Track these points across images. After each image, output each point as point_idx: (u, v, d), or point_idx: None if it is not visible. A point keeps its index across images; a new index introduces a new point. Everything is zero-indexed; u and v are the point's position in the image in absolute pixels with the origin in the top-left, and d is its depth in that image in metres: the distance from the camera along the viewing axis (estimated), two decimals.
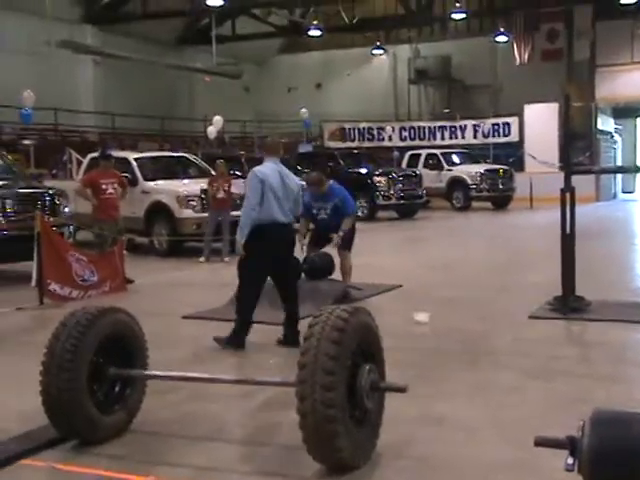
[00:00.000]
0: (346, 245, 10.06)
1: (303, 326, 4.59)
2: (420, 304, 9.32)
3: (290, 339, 7.48)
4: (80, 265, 10.55)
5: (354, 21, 34.87)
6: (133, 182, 15.06)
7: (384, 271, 12.37)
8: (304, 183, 10.27)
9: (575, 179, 8.87)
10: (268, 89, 39.93)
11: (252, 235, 7.32)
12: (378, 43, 38.26)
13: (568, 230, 8.71)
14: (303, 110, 33.31)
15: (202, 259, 14.12)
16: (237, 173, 18.99)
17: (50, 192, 12.66)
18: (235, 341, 7.45)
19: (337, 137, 32.98)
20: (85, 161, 17.31)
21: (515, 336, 7.94)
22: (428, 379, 6.36)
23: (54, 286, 10.15)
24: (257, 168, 7.60)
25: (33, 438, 5.08)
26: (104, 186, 12.03)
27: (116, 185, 12.20)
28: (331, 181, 10.19)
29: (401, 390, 4.64)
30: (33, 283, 10.07)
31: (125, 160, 15.81)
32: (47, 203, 12.31)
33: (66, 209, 12.79)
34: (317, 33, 34.14)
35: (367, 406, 4.52)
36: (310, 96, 38.54)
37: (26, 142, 24.13)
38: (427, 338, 8.04)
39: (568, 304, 8.68)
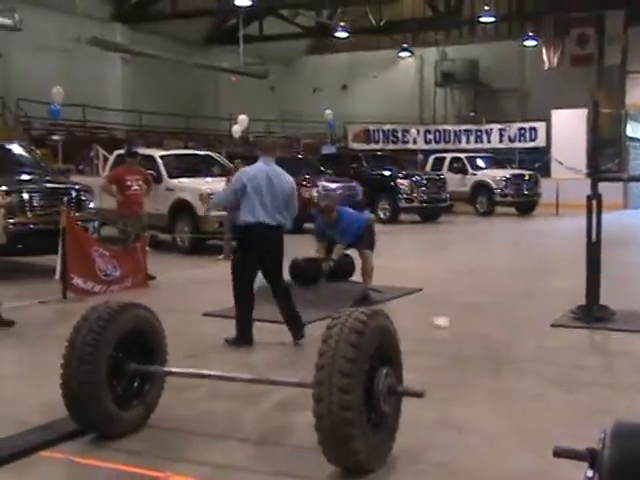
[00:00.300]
0: (368, 245, 10.09)
1: (321, 327, 4.57)
2: (441, 308, 9.27)
3: (298, 334, 7.65)
4: (103, 260, 10.63)
5: (381, 23, 34.88)
6: (158, 179, 15.15)
7: (405, 274, 12.33)
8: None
9: (603, 186, 8.77)
10: (294, 89, 40.01)
11: (240, 235, 7.62)
12: (405, 45, 38.18)
13: (594, 238, 8.62)
14: (328, 111, 33.29)
15: (221, 257, 14.16)
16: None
17: (76, 187, 12.77)
18: (242, 340, 7.58)
19: (361, 139, 32.92)
20: (111, 158, 17.41)
21: (538, 344, 7.87)
22: (447, 384, 6.31)
23: (77, 280, 10.24)
24: (245, 168, 7.86)
25: (52, 430, 5.12)
26: (129, 183, 12.15)
27: (141, 182, 12.33)
28: (341, 210, 10.28)
29: (418, 395, 4.61)
30: (57, 276, 10.16)
31: (151, 157, 15.89)
32: (73, 198, 12.41)
33: (91, 205, 12.88)
34: (344, 35, 34.15)
35: (384, 410, 4.50)
36: (335, 97, 38.55)
37: (55, 138, 24.33)
38: (447, 343, 7.99)
39: (592, 313, 8.59)
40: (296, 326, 7.70)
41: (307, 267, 10.27)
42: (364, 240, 10.07)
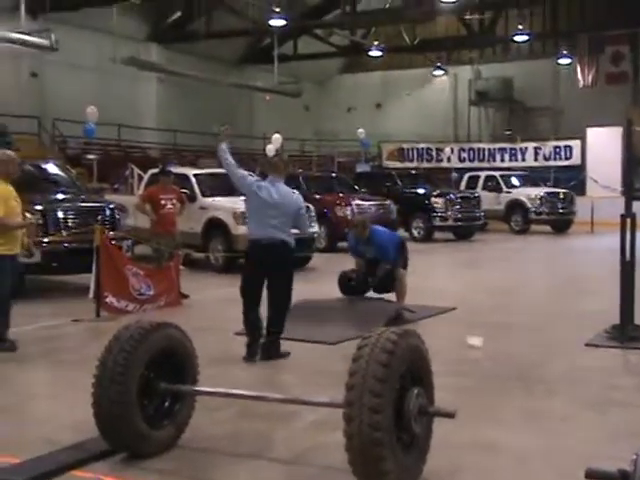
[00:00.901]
0: (401, 264, 10.15)
1: (352, 347, 4.56)
2: (474, 328, 9.21)
3: (265, 354, 7.72)
4: (137, 279, 10.70)
5: (415, 42, 34.94)
6: (192, 198, 15.27)
7: (439, 293, 12.31)
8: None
9: (637, 205, 8.70)
10: (328, 108, 40.16)
11: (249, 250, 7.88)
12: (439, 64, 38.20)
13: (628, 256, 8.54)
14: (360, 130, 33.37)
15: None
16: (294, 192, 19.04)
17: (110, 206, 12.90)
18: (247, 354, 7.73)
19: (395, 157, 32.99)
20: (146, 177, 17.58)
21: (571, 364, 7.80)
22: (479, 405, 6.26)
23: (111, 299, 10.32)
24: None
25: (83, 449, 5.14)
26: (163, 202, 12.24)
27: (175, 201, 12.42)
28: (374, 227, 10.43)
29: (450, 415, 4.58)
30: (91, 295, 10.24)
31: (185, 176, 16.02)
32: (107, 217, 12.54)
33: (125, 223, 13.00)
34: (378, 53, 34.26)
35: (415, 430, 4.48)
36: (369, 116, 38.65)
37: (90, 157, 24.63)
38: (480, 363, 7.93)
39: (626, 333, 8.49)
40: (270, 348, 7.76)
41: (356, 279, 10.58)
42: (399, 258, 10.13)
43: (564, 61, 34.44)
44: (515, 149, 31.87)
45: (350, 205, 19.72)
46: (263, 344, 7.81)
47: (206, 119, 31.54)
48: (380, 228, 10.59)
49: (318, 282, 13.41)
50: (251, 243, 7.79)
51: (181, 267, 11.96)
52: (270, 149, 29.19)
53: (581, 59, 33.66)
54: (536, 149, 31.52)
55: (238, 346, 8.62)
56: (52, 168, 14.53)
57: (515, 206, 26.59)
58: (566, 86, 35.13)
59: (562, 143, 31.18)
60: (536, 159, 31.39)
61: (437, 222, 23.20)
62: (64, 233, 11.95)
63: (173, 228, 12.38)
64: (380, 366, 4.26)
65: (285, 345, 7.92)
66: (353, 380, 4.29)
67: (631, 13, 28.88)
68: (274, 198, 7.74)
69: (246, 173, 7.97)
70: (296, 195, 8.01)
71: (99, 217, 12.31)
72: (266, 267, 7.68)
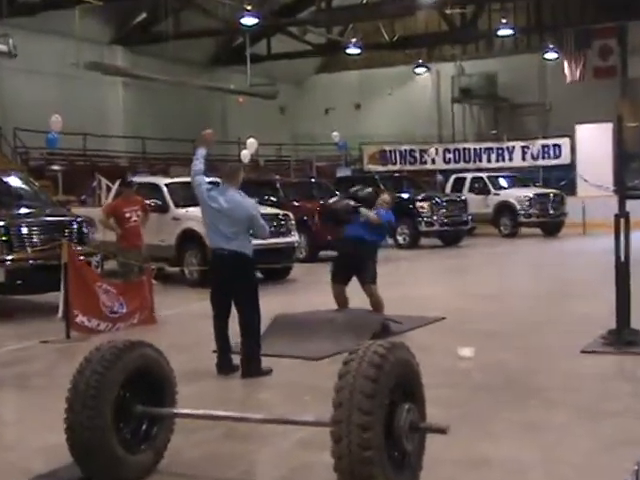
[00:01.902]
0: (369, 278, 10.04)
1: (338, 362, 4.57)
2: (465, 338, 9.25)
3: (245, 372, 7.78)
4: (108, 296, 10.63)
5: (395, 38, 35.11)
6: (164, 208, 15.24)
7: (426, 302, 12.32)
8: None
9: (631, 204, 8.77)
10: (305, 110, 40.20)
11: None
12: (420, 61, 38.38)
13: (622, 258, 8.60)
14: (334, 133, 33.36)
15: None
16: (272, 199, 19.07)
17: (77, 220, 12.83)
18: (217, 367, 7.90)
19: (377, 160, 33.01)
20: (114, 187, 17.52)
21: (566, 372, 7.84)
22: (473, 418, 6.29)
23: (81, 318, 10.23)
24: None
25: (56, 477, 5.11)
26: (127, 214, 12.26)
27: (139, 212, 12.44)
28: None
29: (442, 431, 4.60)
30: (59, 315, 10.17)
31: (156, 186, 15.99)
32: (74, 231, 12.47)
33: (94, 237, 12.94)
34: (356, 51, 34.34)
35: (406, 448, 4.48)
36: (349, 117, 38.76)
37: (54, 168, 24.52)
38: (472, 374, 7.96)
39: (623, 337, 8.54)
40: (248, 364, 7.80)
41: (336, 206, 10.89)
42: (367, 268, 10.01)
43: (550, 55, 34.72)
44: (502, 149, 32.00)
45: None
46: (242, 361, 7.82)
47: (176, 125, 31.61)
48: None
49: (299, 294, 13.43)
50: (212, 253, 8.01)
51: (154, 282, 11.90)
52: (245, 155, 29.20)
53: (568, 54, 33.98)
54: (524, 148, 31.72)
55: None
56: (14, 181, 14.46)
57: (504, 208, 26.79)
58: (553, 82, 35.44)
59: (550, 142, 31.40)
60: (524, 159, 31.59)
61: (423, 227, 23.26)
62: (29, 250, 11.84)
63: (139, 241, 12.44)
64: (368, 381, 4.27)
65: (266, 361, 7.90)
66: (340, 397, 4.30)
67: (618, 4, 29.16)
68: (224, 207, 7.79)
69: (203, 181, 7.98)
70: (247, 200, 8.02)
71: (66, 232, 12.23)
72: (226, 279, 7.80)
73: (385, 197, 10.68)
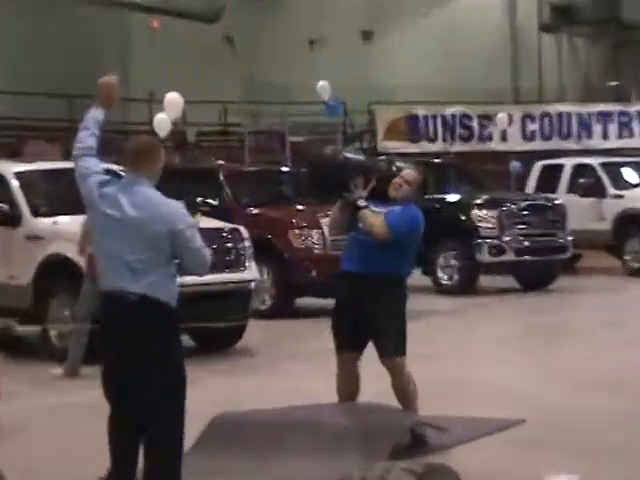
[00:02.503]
0: (395, 345, 7.28)
1: None
2: (561, 457, 6.93)
3: None
4: None
5: None
6: (13, 219, 11.01)
7: (489, 392, 9.36)
8: None
9: None
10: (271, 43, 27.77)
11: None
12: None
13: None
14: (321, 83, 21.74)
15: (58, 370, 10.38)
16: (211, 202, 14.29)
17: None
18: None
19: (401, 132, 24.36)
20: None
21: None
22: None
23: None
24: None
25: None
26: None
27: None
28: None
29: None
30: None
31: None
32: None
33: None
34: None
35: None
36: (351, 55, 27.17)
37: None
38: None
39: None
40: None
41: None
42: (390, 331, 7.25)
43: None
44: (628, 114, 24.58)
45: (317, 227, 13.77)
46: None
47: (47, 69, 23.64)
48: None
49: (259, 375, 10.46)
50: (104, 300, 5.74)
51: None
52: (162, 121, 20.13)
53: None
54: None
55: None
56: None
57: (631, 222, 19.57)
58: None
59: None
60: None
61: (485, 256, 16.75)
62: None
63: None
64: None
65: None
66: None
67: None
68: (128, 215, 5.54)
69: (93, 168, 5.68)
70: (171, 204, 5.64)
71: None
72: (129, 348, 5.54)
73: (409, 173, 7.74)
